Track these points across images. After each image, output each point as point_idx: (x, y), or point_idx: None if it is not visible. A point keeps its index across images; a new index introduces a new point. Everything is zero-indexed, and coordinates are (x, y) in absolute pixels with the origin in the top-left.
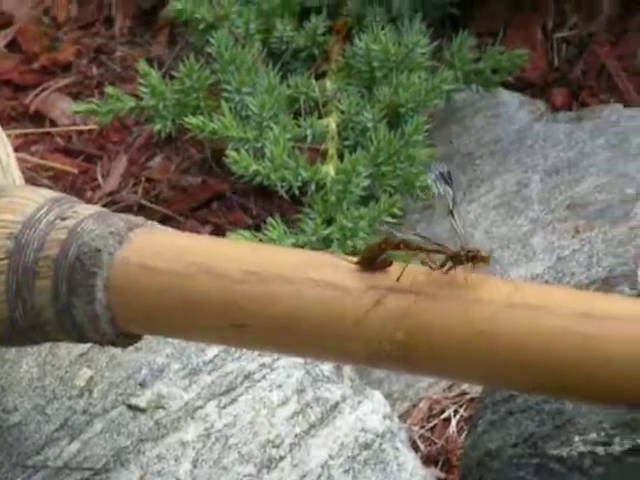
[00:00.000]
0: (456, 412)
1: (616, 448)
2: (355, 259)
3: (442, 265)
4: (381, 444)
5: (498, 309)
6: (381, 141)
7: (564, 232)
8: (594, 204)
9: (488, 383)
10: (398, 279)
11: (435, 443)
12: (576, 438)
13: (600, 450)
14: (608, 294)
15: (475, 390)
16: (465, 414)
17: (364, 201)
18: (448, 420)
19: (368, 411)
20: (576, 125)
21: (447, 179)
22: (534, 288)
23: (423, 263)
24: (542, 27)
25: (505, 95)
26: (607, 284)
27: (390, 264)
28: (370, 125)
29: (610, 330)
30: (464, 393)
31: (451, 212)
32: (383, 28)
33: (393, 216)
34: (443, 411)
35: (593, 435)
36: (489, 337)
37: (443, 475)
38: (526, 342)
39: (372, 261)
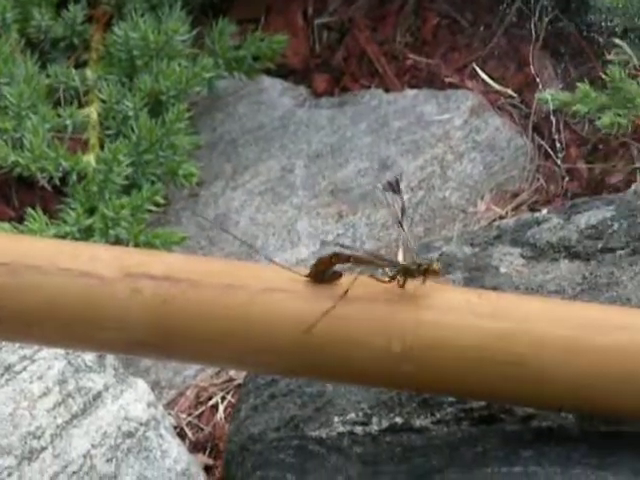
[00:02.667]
0: (224, 398)
1: (374, 427)
2: (305, 272)
3: (392, 277)
4: (145, 432)
5: (252, 294)
6: (143, 129)
7: (328, 217)
8: (357, 189)
9: (248, 368)
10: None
11: (203, 430)
12: (335, 419)
13: (359, 430)
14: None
15: (242, 376)
16: (233, 400)
17: (127, 190)
18: (215, 407)
19: (131, 400)
20: (338, 110)
21: (395, 188)
22: (286, 272)
23: (372, 276)
24: (303, 13)
25: (267, 82)
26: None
27: (340, 277)
28: (131, 114)
29: (359, 312)
30: (231, 379)
31: (400, 223)
32: (143, 16)
33: (156, 205)
34: (211, 398)
35: (352, 415)
36: (245, 322)
37: (211, 461)
38: (280, 325)
39: (322, 274)
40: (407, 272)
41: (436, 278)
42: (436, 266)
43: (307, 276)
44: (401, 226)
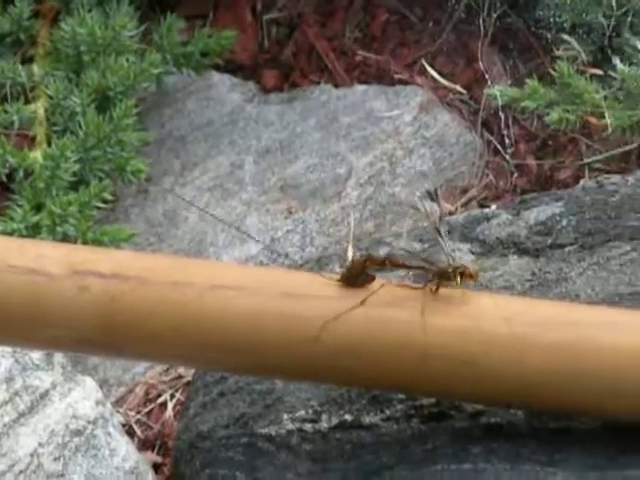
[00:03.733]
0: (173, 396)
1: (323, 424)
2: (337, 276)
3: (430, 281)
4: (93, 430)
5: (201, 291)
6: (90, 125)
7: (277, 213)
8: (306, 184)
9: (197, 365)
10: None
11: (152, 428)
12: (285, 416)
13: (308, 427)
14: (314, 273)
15: (191, 373)
16: (182, 397)
17: (74, 187)
18: (165, 404)
19: (79, 398)
20: (287, 106)
21: (434, 197)
22: (235, 269)
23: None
24: (251, 9)
25: (216, 77)
26: (320, 263)
27: (372, 280)
28: (79, 110)
29: (313, 309)
30: (180, 377)
31: (437, 230)
32: (90, 11)
33: (105, 201)
34: (160, 395)
35: (301, 412)
36: (194, 319)
37: (160, 459)
38: (228, 322)
39: (355, 278)
40: (443, 275)
41: (473, 281)
42: (472, 269)
43: (339, 280)
44: (439, 234)
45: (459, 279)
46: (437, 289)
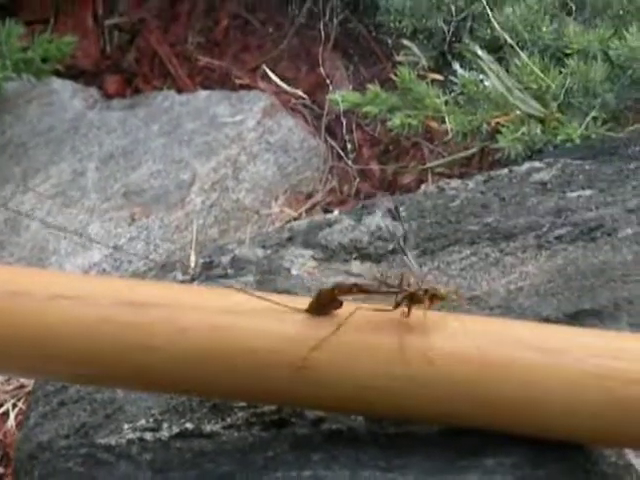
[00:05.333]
0: (15, 405)
1: (164, 433)
2: (304, 307)
3: (398, 304)
4: None
5: (39, 301)
6: None
7: (121, 220)
8: (150, 191)
9: (37, 376)
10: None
11: None
12: (125, 426)
13: (149, 436)
14: (150, 281)
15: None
16: (24, 407)
17: None
18: (7, 414)
19: None
20: (130, 112)
21: (395, 215)
22: (75, 278)
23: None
24: (93, 14)
25: (57, 83)
26: (164, 270)
27: (340, 306)
28: None
29: (152, 318)
30: (22, 386)
31: (402, 249)
32: None
33: None
34: (1, 405)
35: (142, 422)
36: (33, 330)
37: (2, 470)
38: (66, 332)
39: (323, 307)
40: (413, 298)
41: (442, 302)
42: (443, 291)
43: (307, 310)
44: (404, 253)
45: (428, 302)
46: (409, 312)
